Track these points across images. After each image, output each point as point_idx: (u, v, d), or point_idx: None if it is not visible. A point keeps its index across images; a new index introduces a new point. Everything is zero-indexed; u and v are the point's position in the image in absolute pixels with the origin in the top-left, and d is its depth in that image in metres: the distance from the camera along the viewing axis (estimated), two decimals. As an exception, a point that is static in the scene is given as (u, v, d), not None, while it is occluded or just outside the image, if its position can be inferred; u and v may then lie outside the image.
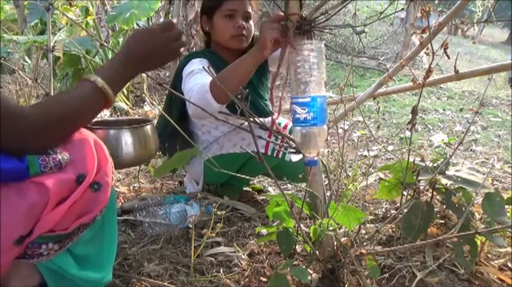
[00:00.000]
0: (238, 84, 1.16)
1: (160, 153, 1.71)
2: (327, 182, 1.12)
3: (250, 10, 1.49)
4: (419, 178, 1.17)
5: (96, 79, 0.78)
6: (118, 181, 1.84)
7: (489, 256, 1.21)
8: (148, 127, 1.03)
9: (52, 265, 0.78)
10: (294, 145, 0.98)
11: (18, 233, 0.67)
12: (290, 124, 1.55)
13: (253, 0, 1.51)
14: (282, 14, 1.05)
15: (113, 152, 0.90)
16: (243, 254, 1.21)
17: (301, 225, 1.02)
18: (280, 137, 1.04)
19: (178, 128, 0.97)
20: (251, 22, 1.51)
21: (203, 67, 1.21)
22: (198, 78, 1.33)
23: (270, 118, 1.55)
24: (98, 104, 0.80)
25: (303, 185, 1.20)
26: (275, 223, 1.13)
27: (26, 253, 0.72)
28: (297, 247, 1.15)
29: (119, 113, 3.10)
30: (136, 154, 0.99)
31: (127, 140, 0.98)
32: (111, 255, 0.89)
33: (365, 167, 2.11)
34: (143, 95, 3.67)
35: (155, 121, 1.95)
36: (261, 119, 0.96)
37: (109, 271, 0.87)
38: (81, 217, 0.76)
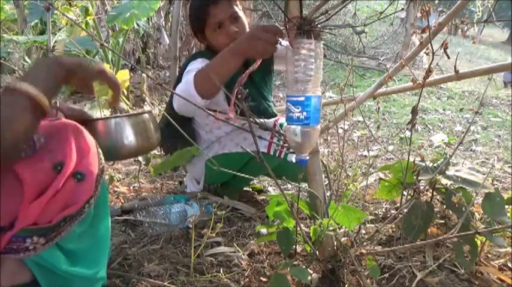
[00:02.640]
0: (221, 80, 1.17)
1: (162, 152, 1.71)
2: (327, 182, 1.12)
3: (236, 9, 1.46)
4: (419, 178, 1.17)
5: (33, 94, 0.69)
6: (118, 181, 1.84)
7: (489, 256, 1.21)
8: (147, 115, 1.03)
9: (41, 260, 0.75)
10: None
11: None
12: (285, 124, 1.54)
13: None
14: (278, 29, 1.04)
15: (113, 142, 0.90)
16: (243, 254, 1.21)
17: (301, 225, 1.02)
18: (282, 137, 1.04)
19: (180, 129, 0.96)
20: (242, 20, 1.48)
21: (198, 68, 1.21)
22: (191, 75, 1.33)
23: (272, 119, 1.56)
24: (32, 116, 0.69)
25: (303, 185, 1.20)
26: (275, 223, 1.13)
27: (11, 248, 0.70)
28: (297, 247, 1.15)
29: (119, 113, 3.10)
30: (137, 142, 0.98)
31: (127, 128, 0.97)
32: (105, 250, 0.87)
33: (365, 167, 2.11)
34: (143, 95, 3.67)
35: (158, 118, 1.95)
36: (264, 121, 0.96)
37: (103, 267, 0.85)
38: (66, 209, 0.73)
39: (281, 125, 1.53)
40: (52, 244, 0.75)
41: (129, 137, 0.97)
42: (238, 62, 1.16)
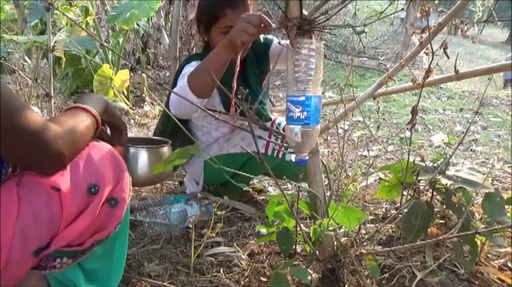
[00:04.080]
0: (215, 75, 1.16)
1: None
2: (327, 182, 1.12)
3: None
4: (419, 178, 1.17)
5: (95, 113, 0.80)
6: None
7: (489, 256, 1.21)
8: (165, 148, 1.04)
9: (62, 277, 0.77)
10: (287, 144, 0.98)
11: (37, 244, 0.67)
12: (283, 123, 1.53)
13: (250, 5, 1.47)
14: (259, 16, 1.04)
15: (129, 170, 0.91)
16: (243, 254, 1.21)
17: (301, 225, 1.02)
18: (280, 137, 1.04)
19: (181, 125, 0.96)
20: None
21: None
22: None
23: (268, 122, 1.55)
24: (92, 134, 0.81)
25: (303, 185, 1.20)
26: (275, 223, 1.13)
27: (39, 265, 0.72)
28: (297, 247, 1.15)
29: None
30: (151, 173, 1.00)
31: (144, 159, 0.99)
32: (119, 270, 0.89)
33: (365, 167, 2.11)
34: (143, 95, 3.67)
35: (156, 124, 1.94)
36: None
37: (115, 285, 0.87)
38: (97, 233, 0.75)
39: (279, 124, 1.53)
40: (75, 263, 0.77)
41: (143, 168, 0.99)
42: (227, 53, 1.15)
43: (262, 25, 1.05)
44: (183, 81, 1.27)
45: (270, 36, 1.59)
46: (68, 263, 0.75)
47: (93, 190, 0.71)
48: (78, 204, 0.70)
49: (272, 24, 1.04)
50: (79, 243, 0.74)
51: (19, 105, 0.62)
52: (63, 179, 0.68)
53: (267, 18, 1.06)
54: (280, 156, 1.50)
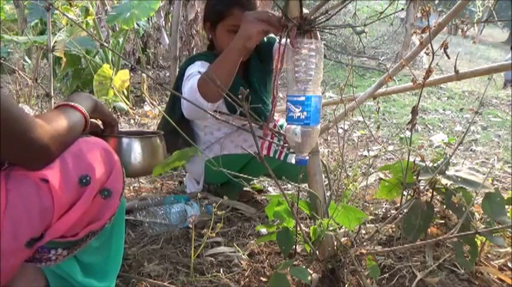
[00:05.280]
0: (226, 79, 1.17)
1: None
2: (327, 182, 1.12)
3: None
4: (419, 178, 1.17)
5: (83, 110, 0.82)
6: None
7: (489, 256, 1.21)
8: (157, 138, 1.06)
9: (59, 270, 0.78)
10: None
11: (29, 235, 0.67)
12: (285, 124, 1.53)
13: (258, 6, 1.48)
14: (266, 13, 1.05)
15: (122, 160, 0.92)
16: (243, 254, 1.21)
17: (301, 225, 1.02)
18: (282, 138, 1.04)
19: (180, 131, 0.97)
20: None
21: (199, 71, 1.21)
22: (194, 81, 1.33)
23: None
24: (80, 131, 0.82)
25: (303, 185, 1.20)
26: (275, 223, 1.13)
27: (34, 257, 0.73)
28: (297, 247, 1.15)
29: (119, 113, 3.10)
30: (145, 163, 1.02)
31: (136, 149, 1.00)
32: (117, 265, 0.89)
33: (365, 167, 2.11)
34: (143, 95, 3.67)
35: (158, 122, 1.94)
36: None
37: (113, 280, 0.88)
38: (91, 224, 0.76)
39: (281, 126, 1.53)
40: (71, 255, 0.77)
41: (138, 157, 1.01)
42: (236, 55, 1.15)
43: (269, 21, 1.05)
44: (192, 84, 1.26)
45: (273, 36, 1.59)
46: (64, 255, 0.75)
47: (84, 181, 0.72)
48: (69, 195, 0.70)
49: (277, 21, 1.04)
50: (73, 235, 0.74)
51: (9, 106, 0.62)
52: (51, 171, 0.68)
53: (273, 13, 1.06)
54: (281, 158, 1.50)
